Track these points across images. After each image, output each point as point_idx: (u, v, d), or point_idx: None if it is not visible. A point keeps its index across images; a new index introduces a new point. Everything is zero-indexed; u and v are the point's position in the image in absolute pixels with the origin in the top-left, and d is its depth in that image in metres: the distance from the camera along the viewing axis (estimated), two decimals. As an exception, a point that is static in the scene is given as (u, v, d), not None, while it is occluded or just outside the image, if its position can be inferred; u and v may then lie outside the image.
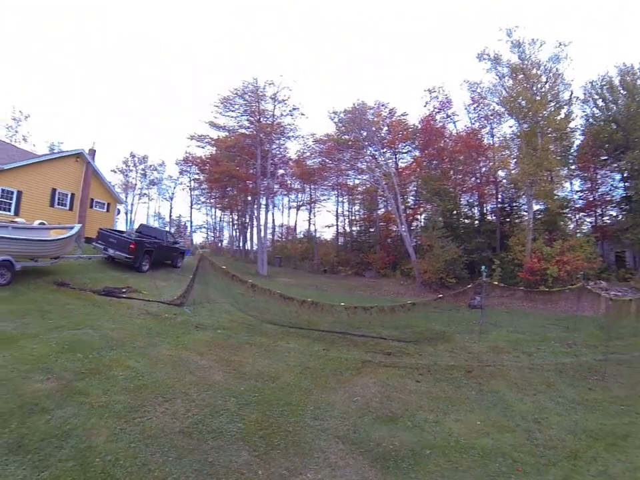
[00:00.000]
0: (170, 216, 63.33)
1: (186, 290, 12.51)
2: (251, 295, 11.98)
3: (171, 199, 61.73)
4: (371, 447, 5.33)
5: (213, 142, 40.38)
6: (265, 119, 35.04)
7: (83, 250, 16.56)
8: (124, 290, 13.42)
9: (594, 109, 34.18)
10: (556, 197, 30.81)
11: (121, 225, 47.36)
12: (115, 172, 58.44)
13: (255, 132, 35.14)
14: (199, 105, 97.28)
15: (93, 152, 26.62)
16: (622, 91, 31.76)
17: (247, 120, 35.62)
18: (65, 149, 32.14)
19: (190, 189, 57.38)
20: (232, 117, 35.33)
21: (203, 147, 42.41)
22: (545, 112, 27.64)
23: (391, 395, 7.18)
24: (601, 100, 33.39)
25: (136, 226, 30.61)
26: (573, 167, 35.50)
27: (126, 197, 56.55)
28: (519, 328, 14.03)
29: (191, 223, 60.98)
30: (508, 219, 35.49)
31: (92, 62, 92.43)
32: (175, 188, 60.96)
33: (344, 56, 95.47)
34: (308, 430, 5.64)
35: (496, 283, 16.70)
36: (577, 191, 38.19)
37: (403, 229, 32.96)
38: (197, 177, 53.88)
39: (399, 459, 5.08)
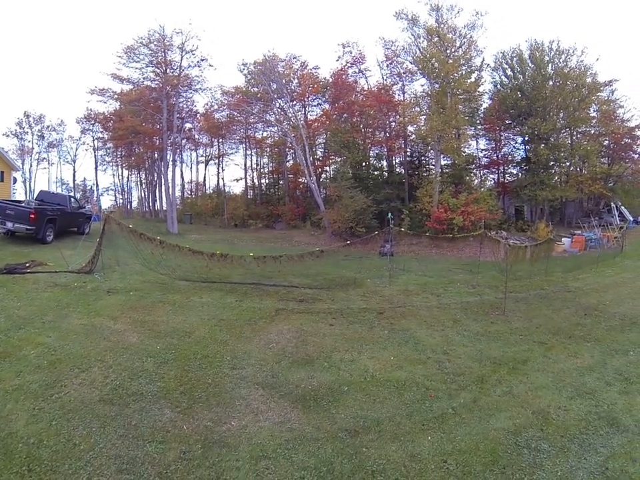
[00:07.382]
0: (74, 180, 56.91)
1: (94, 255, 11.85)
2: (161, 252, 11.68)
3: (74, 161, 55.05)
4: (291, 390, 5.47)
5: (115, 96, 37.50)
6: (172, 71, 32.83)
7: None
8: (27, 265, 12.33)
9: (502, 76, 37.52)
10: (463, 153, 32.62)
11: (19, 195, 43.03)
12: (8, 136, 50.64)
13: (160, 84, 32.96)
14: (100, 56, 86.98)
15: (-19, 114, 23.25)
16: (530, 64, 34.72)
17: (153, 72, 33.11)
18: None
19: (94, 149, 51.94)
20: (136, 68, 32.53)
21: (105, 102, 39.20)
22: (456, 74, 29.00)
23: (306, 339, 7.34)
24: (509, 69, 36.62)
25: (35, 194, 28.26)
26: (479, 127, 38.03)
27: (22, 164, 49.89)
28: (428, 272, 14.82)
29: (97, 186, 55.67)
30: (416, 172, 36.92)
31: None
32: (77, 149, 54.45)
33: (257, 6, 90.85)
34: (227, 380, 5.69)
35: (403, 229, 17.60)
36: (482, 150, 41.63)
37: (312, 180, 33.08)
38: (100, 135, 49.04)
39: (318, 398, 5.27)
